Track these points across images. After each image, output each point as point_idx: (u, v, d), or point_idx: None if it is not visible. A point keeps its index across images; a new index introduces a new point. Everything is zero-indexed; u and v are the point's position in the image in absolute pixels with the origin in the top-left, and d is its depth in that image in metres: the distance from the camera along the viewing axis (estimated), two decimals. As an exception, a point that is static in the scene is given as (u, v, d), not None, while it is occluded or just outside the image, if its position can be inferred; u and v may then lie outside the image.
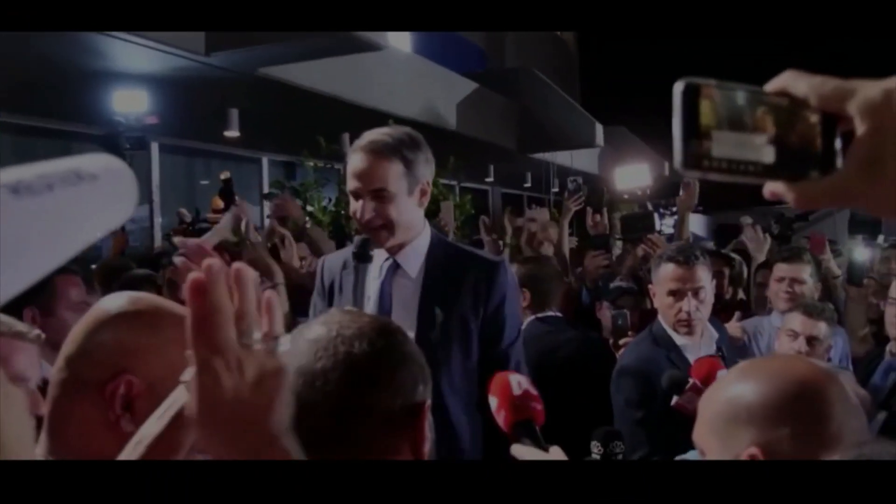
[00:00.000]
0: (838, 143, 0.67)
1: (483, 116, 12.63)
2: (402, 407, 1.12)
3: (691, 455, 1.39)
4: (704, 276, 2.81)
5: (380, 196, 2.19)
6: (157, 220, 10.67)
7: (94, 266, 4.68)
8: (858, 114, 0.65)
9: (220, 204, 6.94)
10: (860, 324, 4.09)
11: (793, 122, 0.67)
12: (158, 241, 10.09)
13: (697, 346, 2.81)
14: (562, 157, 14.70)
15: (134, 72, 7.36)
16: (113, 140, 6.94)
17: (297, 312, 2.89)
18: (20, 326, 1.76)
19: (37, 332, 1.78)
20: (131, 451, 1.03)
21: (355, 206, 2.24)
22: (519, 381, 1.41)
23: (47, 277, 2.69)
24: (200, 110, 8.98)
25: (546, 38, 19.64)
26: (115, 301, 1.33)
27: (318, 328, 1.15)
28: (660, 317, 2.88)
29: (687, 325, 2.77)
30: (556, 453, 1.42)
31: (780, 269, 3.74)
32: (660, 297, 2.85)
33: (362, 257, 2.28)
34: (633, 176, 7.63)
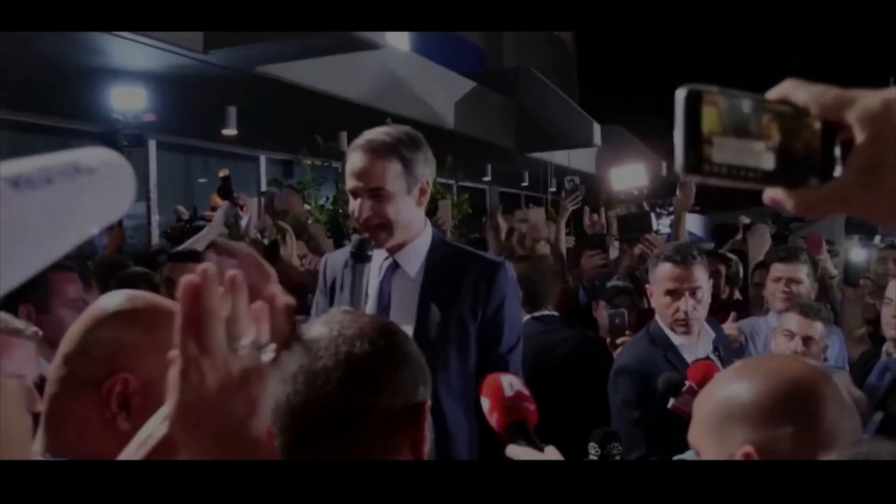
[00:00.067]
0: (838, 151, 0.68)
1: (481, 116, 12.64)
2: (403, 407, 1.12)
3: (689, 455, 1.40)
4: (702, 275, 2.81)
5: (378, 195, 2.18)
6: (155, 217, 10.66)
7: (89, 263, 4.66)
8: (858, 123, 0.66)
9: (219, 201, 6.93)
10: (857, 324, 4.10)
11: (793, 130, 0.68)
12: (156, 238, 10.09)
13: (694, 345, 2.81)
14: (559, 157, 14.71)
15: (132, 69, 7.35)
16: (110, 137, 6.92)
17: (296, 311, 2.88)
18: (17, 323, 1.76)
19: (34, 329, 1.78)
20: (135, 451, 1.03)
21: (354, 205, 2.23)
22: (511, 383, 1.41)
23: (42, 274, 2.68)
24: (198, 108, 8.97)
25: (544, 37, 19.64)
26: (113, 299, 1.34)
27: (320, 328, 1.15)
28: (657, 316, 2.89)
29: (684, 325, 2.78)
30: (550, 453, 1.42)
31: (777, 268, 3.74)
32: (657, 296, 2.85)
33: (360, 257, 2.28)
34: (630, 176, 7.63)
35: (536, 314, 3.48)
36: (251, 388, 0.85)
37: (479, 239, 7.32)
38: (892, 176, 0.65)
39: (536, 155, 14.64)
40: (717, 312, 3.41)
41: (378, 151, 2.17)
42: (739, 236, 8.06)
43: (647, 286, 3.04)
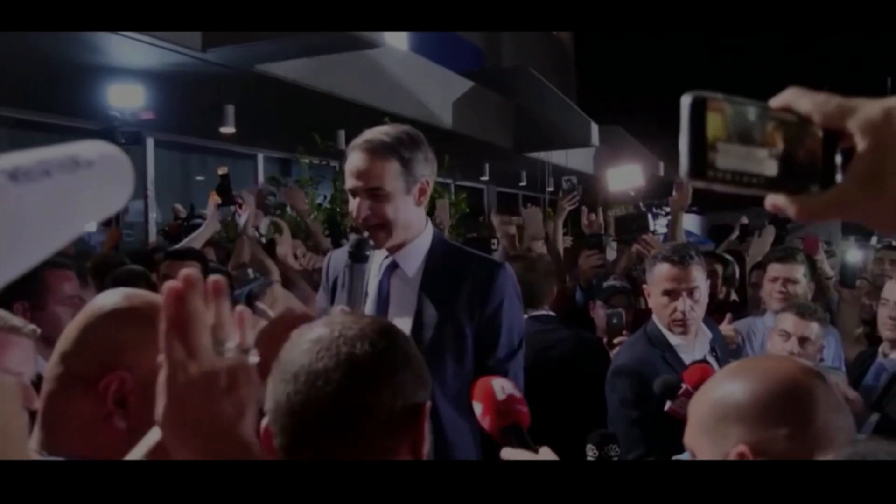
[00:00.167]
0: (839, 159, 0.70)
1: (479, 115, 12.63)
2: (403, 408, 1.13)
3: (686, 457, 1.40)
4: (699, 276, 2.82)
5: (376, 195, 2.17)
6: (152, 215, 10.64)
7: (87, 261, 4.66)
8: (859, 131, 0.68)
9: (218, 199, 6.91)
10: (853, 325, 4.11)
11: (796, 138, 0.70)
12: (153, 236, 10.08)
13: (692, 345, 2.81)
14: (557, 157, 14.71)
15: (130, 67, 7.34)
16: (108, 135, 6.91)
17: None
18: (15, 321, 1.76)
19: (32, 327, 1.78)
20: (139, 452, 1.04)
21: (353, 204, 2.23)
22: (502, 386, 1.41)
23: (38, 271, 2.67)
24: (196, 106, 8.96)
25: (543, 37, 19.64)
26: (111, 297, 1.34)
27: (321, 329, 1.16)
28: (654, 317, 2.89)
29: (682, 325, 2.78)
30: (545, 454, 1.42)
31: (774, 269, 3.75)
32: (655, 296, 2.86)
33: (358, 257, 2.28)
34: (626, 177, 7.64)
35: (533, 314, 3.48)
36: (239, 390, 0.86)
37: (476, 238, 7.32)
38: (892, 184, 0.67)
39: (534, 155, 14.64)
40: (714, 313, 3.42)
41: (377, 151, 2.17)
42: (734, 236, 8.08)
43: (644, 286, 3.04)
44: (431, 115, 10.86)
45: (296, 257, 4.07)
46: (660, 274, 2.83)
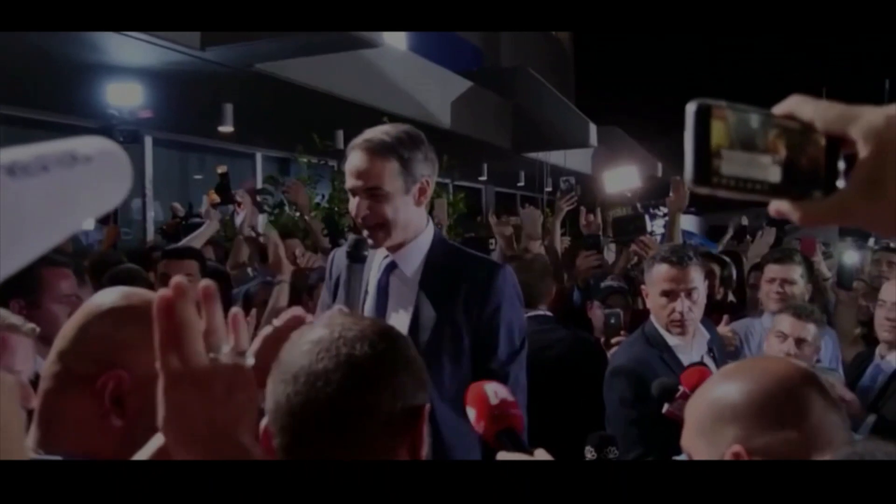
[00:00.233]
0: (842, 165, 0.71)
1: (477, 115, 12.64)
2: (403, 409, 1.13)
3: (684, 458, 1.41)
4: (697, 276, 2.82)
5: (375, 195, 2.17)
6: (150, 213, 10.64)
7: (85, 259, 4.65)
8: (861, 138, 0.69)
9: (217, 198, 6.90)
10: (850, 326, 4.12)
11: (799, 145, 0.71)
12: (151, 234, 10.07)
13: (689, 346, 2.82)
14: (555, 157, 14.72)
15: (128, 65, 7.34)
16: (107, 133, 6.89)
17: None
18: (14, 319, 1.76)
19: (31, 325, 1.78)
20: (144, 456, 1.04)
21: (352, 203, 2.23)
22: (495, 391, 1.41)
23: (34, 269, 2.66)
24: (195, 105, 8.96)
25: (542, 37, 19.65)
26: (109, 296, 1.34)
27: (320, 330, 1.16)
28: (652, 317, 2.89)
29: (680, 326, 2.79)
30: (540, 456, 1.43)
31: (771, 269, 3.75)
32: (653, 297, 2.86)
33: (356, 257, 2.28)
34: (622, 178, 7.66)
35: (530, 314, 3.48)
36: (236, 395, 0.86)
37: (474, 238, 7.32)
38: (893, 190, 0.68)
39: (533, 155, 14.65)
40: (712, 314, 3.42)
41: (376, 151, 2.17)
42: (728, 237, 8.10)
43: (642, 287, 3.04)
44: (430, 115, 10.86)
45: (295, 257, 4.06)
46: (658, 274, 2.83)
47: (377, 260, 2.30)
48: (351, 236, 2.35)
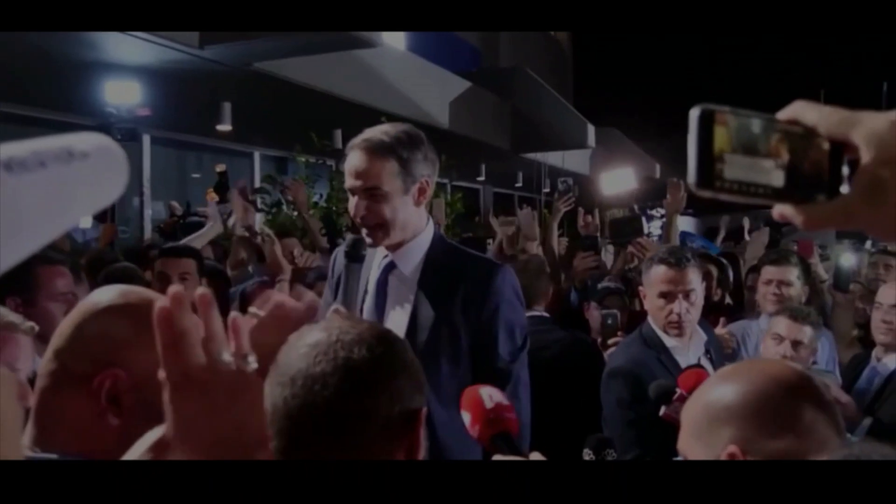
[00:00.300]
0: (845, 170, 0.72)
1: (476, 115, 12.63)
2: (400, 413, 1.13)
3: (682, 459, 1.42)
4: (695, 278, 2.82)
5: (373, 195, 2.17)
6: (148, 212, 10.62)
7: (81, 257, 4.65)
8: (864, 143, 0.70)
9: (215, 197, 6.91)
10: (847, 328, 4.12)
11: (802, 149, 0.72)
12: (148, 233, 10.05)
13: (687, 347, 2.82)
14: (553, 158, 14.72)
15: (127, 63, 7.32)
16: (104, 131, 6.87)
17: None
18: (13, 317, 1.75)
19: (30, 324, 1.77)
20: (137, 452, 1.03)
21: (351, 203, 2.24)
22: (490, 395, 1.41)
23: (30, 267, 2.65)
24: (193, 103, 8.94)
25: (541, 38, 19.65)
26: (106, 294, 1.33)
27: (318, 333, 1.16)
28: (650, 318, 2.89)
29: (677, 327, 2.79)
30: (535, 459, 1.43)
31: (768, 271, 3.76)
32: (650, 298, 2.86)
33: (354, 257, 2.28)
34: (619, 180, 7.69)
35: (527, 314, 3.48)
36: (239, 400, 0.86)
37: (472, 238, 7.33)
38: (895, 194, 0.69)
39: (531, 155, 14.64)
40: (709, 315, 3.43)
41: (375, 150, 2.17)
42: (720, 237, 8.12)
43: (640, 288, 3.05)
44: (428, 115, 10.85)
45: (293, 256, 4.05)
46: (656, 276, 2.83)
47: (377, 259, 2.30)
48: (349, 236, 2.35)
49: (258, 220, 7.08)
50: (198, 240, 4.84)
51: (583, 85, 22.57)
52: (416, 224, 2.27)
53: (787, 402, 1.28)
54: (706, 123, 0.69)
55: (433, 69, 11.69)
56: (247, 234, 5.42)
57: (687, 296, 2.78)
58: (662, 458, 2.02)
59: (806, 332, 2.99)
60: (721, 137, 0.69)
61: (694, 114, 0.70)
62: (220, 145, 11.61)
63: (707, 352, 2.88)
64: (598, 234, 5.59)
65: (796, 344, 2.98)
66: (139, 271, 3.86)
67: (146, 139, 10.33)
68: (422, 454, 1.16)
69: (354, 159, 2.19)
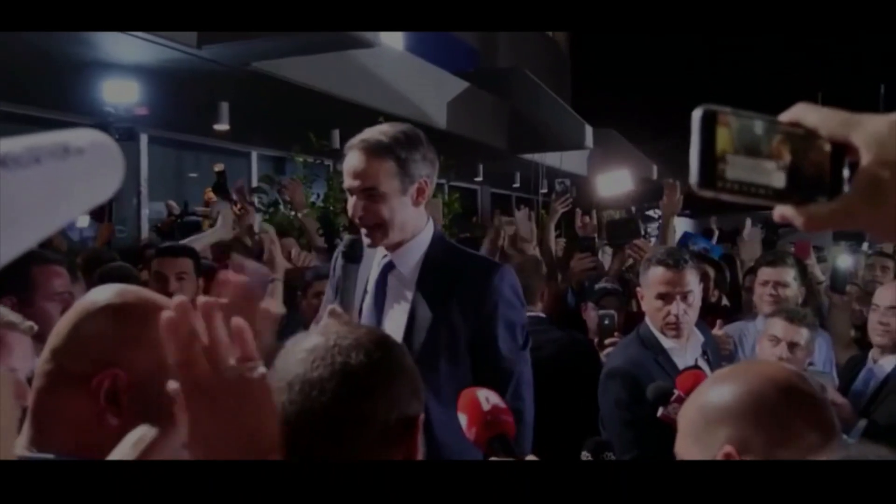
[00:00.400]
0: (846, 172, 0.72)
1: (474, 116, 12.63)
2: (398, 419, 1.13)
3: (679, 460, 1.42)
4: (693, 279, 2.83)
5: (372, 195, 2.17)
6: (145, 211, 10.61)
7: (78, 257, 4.64)
8: (864, 144, 0.70)
9: (214, 197, 6.90)
10: (844, 330, 4.13)
11: (803, 151, 0.72)
12: (145, 232, 10.04)
13: (684, 349, 2.82)
14: (551, 159, 14.72)
15: (125, 63, 7.32)
16: (102, 130, 6.86)
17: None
18: (12, 317, 1.75)
19: (29, 323, 1.76)
20: (128, 450, 1.03)
21: (350, 203, 2.23)
22: (487, 397, 1.41)
23: (25, 267, 2.65)
24: (191, 103, 8.93)
25: (539, 38, 19.65)
26: (104, 293, 1.32)
27: (316, 337, 1.15)
28: (647, 319, 2.89)
29: (675, 329, 2.79)
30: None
31: (765, 272, 3.76)
32: (648, 299, 2.86)
33: (351, 257, 2.28)
34: (616, 182, 7.70)
35: (524, 315, 3.48)
36: (247, 405, 0.86)
37: (469, 238, 7.32)
38: (894, 195, 0.69)
39: (528, 156, 14.64)
40: (706, 316, 3.43)
41: (372, 151, 2.16)
42: (714, 238, 8.14)
43: (637, 289, 3.05)
44: (426, 116, 10.85)
45: (290, 255, 4.05)
46: (654, 277, 2.84)
47: (376, 259, 2.30)
48: (347, 236, 2.34)
49: (257, 219, 7.08)
50: (197, 241, 4.83)
51: (581, 86, 22.56)
52: (415, 224, 2.27)
53: (783, 403, 1.29)
54: (708, 124, 0.70)
55: (431, 69, 11.68)
56: (245, 235, 5.41)
57: (685, 297, 2.79)
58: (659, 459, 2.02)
59: (802, 334, 3.00)
60: (723, 138, 0.70)
61: (696, 114, 0.70)
62: (217, 145, 11.60)
63: (704, 353, 2.88)
64: (596, 235, 5.60)
65: (793, 345, 2.98)
66: (135, 271, 3.85)
67: (144, 138, 10.32)
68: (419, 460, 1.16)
69: (352, 159, 2.19)
